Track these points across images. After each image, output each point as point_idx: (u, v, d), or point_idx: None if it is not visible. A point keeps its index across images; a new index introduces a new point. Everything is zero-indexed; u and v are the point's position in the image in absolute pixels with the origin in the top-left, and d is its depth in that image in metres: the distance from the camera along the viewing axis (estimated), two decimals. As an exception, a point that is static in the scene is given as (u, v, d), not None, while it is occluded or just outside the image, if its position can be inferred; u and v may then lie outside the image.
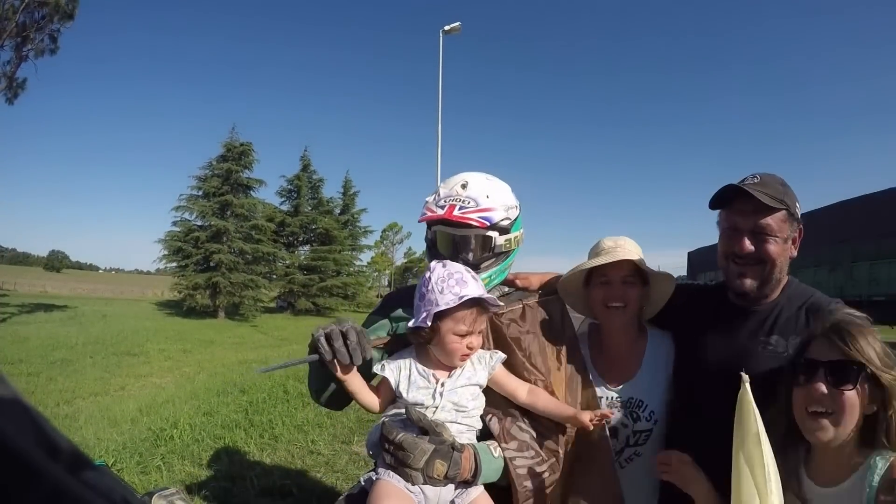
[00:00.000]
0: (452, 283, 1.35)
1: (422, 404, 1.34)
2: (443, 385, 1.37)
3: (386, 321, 1.66)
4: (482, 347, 1.45)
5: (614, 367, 1.71)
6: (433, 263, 1.42)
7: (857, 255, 14.00)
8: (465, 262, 1.53)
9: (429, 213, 1.56)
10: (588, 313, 1.80)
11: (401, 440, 1.25)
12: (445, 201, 1.56)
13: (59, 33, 19.20)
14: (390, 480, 1.25)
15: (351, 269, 30.98)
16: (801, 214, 1.57)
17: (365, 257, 41.64)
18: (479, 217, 1.53)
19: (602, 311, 1.69)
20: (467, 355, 1.38)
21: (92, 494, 0.28)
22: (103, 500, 0.29)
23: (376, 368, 1.38)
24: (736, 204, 1.50)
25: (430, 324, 1.32)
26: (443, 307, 1.31)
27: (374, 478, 1.29)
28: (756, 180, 1.50)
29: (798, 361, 1.22)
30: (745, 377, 1.12)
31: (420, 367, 1.38)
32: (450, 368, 1.39)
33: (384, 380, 1.38)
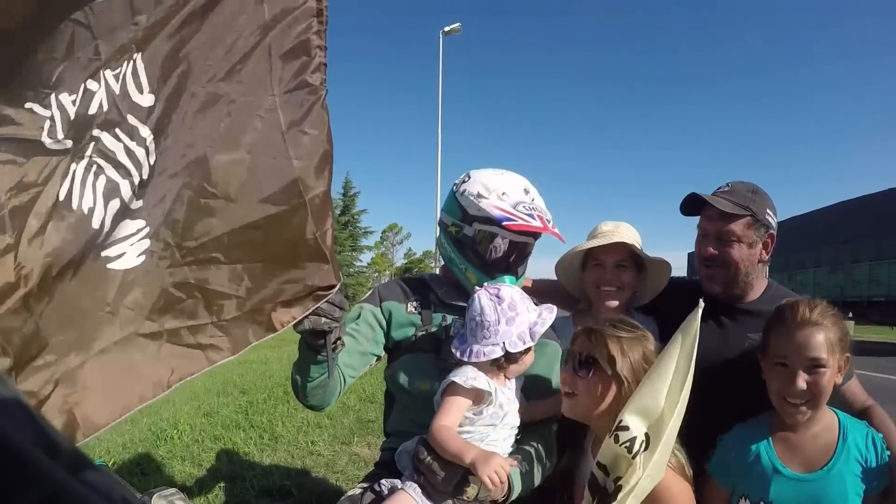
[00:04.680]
0: (528, 301, 1.40)
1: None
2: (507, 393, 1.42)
3: (378, 309, 1.64)
4: None
5: None
6: (506, 290, 1.41)
7: (857, 256, 13.98)
8: (507, 268, 1.57)
9: (520, 222, 1.48)
10: (582, 295, 1.83)
11: (430, 463, 1.25)
12: (525, 208, 1.51)
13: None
14: (413, 496, 1.24)
15: (351, 269, 30.99)
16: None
17: (365, 258, 41.70)
18: (559, 233, 1.57)
19: (595, 293, 1.72)
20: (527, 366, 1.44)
21: (92, 494, 0.28)
22: (103, 499, 0.29)
23: (465, 380, 1.33)
24: (705, 210, 1.63)
25: (533, 342, 1.36)
26: (545, 323, 1.38)
27: (398, 486, 1.29)
28: (726, 188, 1.61)
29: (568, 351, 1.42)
30: (702, 304, 1.23)
31: (496, 381, 1.40)
32: (504, 381, 1.42)
33: (475, 392, 1.34)
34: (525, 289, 1.87)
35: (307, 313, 1.12)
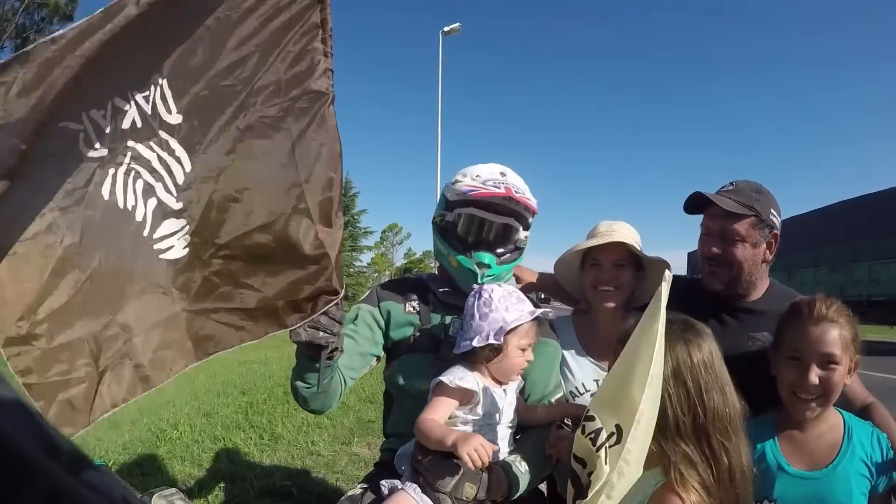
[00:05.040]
0: (514, 300, 1.39)
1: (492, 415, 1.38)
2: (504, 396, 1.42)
3: (376, 309, 1.64)
4: None
5: (607, 348, 1.75)
6: (489, 286, 1.43)
7: (857, 255, 13.98)
8: (487, 248, 1.56)
9: (483, 190, 1.51)
10: (582, 295, 1.82)
11: (429, 462, 1.25)
12: (495, 184, 1.52)
13: (58, 35, 19.28)
14: (413, 496, 1.25)
15: (351, 269, 30.97)
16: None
17: (365, 258, 41.64)
18: (531, 202, 1.56)
19: (593, 294, 1.71)
20: (523, 368, 1.42)
21: (92, 494, 0.28)
22: (103, 499, 0.29)
23: (452, 380, 1.34)
24: (709, 209, 1.62)
25: (502, 340, 1.35)
26: (513, 323, 1.35)
27: (398, 487, 1.29)
28: (731, 187, 1.60)
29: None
30: (669, 276, 1.13)
31: (486, 381, 1.40)
32: (500, 383, 1.41)
33: (462, 391, 1.35)
34: (530, 284, 1.87)
35: (303, 322, 1.21)
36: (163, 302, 1.25)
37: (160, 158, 1.23)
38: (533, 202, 1.58)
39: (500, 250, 1.59)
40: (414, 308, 1.63)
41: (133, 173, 1.23)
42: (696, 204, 1.66)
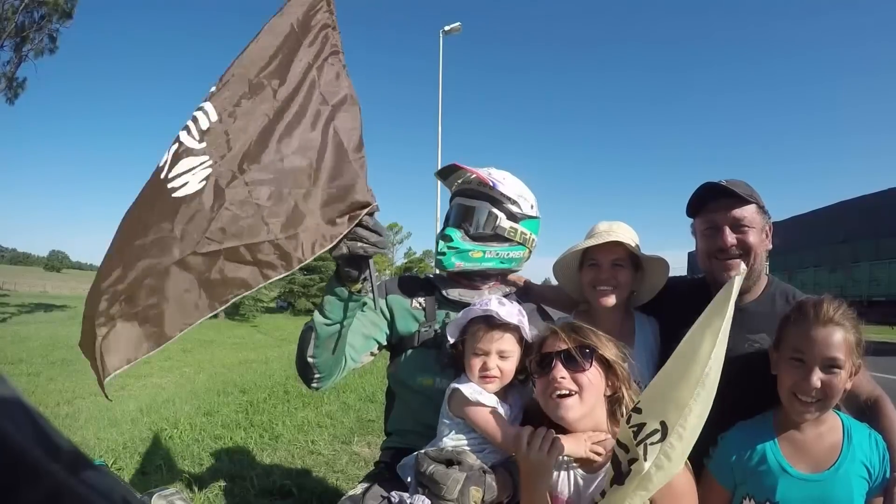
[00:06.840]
0: (492, 301, 1.42)
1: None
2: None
3: (383, 301, 1.68)
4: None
5: None
6: (497, 296, 1.53)
7: (857, 256, 13.98)
8: (465, 231, 1.66)
9: (449, 163, 1.73)
10: (581, 296, 1.82)
11: (432, 473, 1.24)
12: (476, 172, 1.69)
13: (58, 33, 19.26)
14: None
15: (351, 269, 30.91)
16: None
17: (365, 257, 41.49)
18: (491, 179, 1.65)
19: (591, 293, 1.72)
20: (486, 378, 1.37)
21: (92, 494, 0.28)
22: (103, 499, 0.29)
23: (471, 393, 1.35)
24: (711, 205, 1.63)
25: (452, 340, 1.40)
26: (456, 324, 1.42)
27: (406, 501, 1.29)
28: (725, 182, 1.60)
29: (535, 358, 1.33)
30: (744, 268, 1.23)
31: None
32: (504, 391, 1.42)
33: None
34: (526, 287, 1.88)
35: (342, 235, 1.23)
36: (175, 247, 1.22)
37: (194, 118, 1.33)
38: (487, 176, 1.64)
39: (470, 230, 1.66)
40: (420, 304, 1.68)
41: (177, 144, 1.32)
42: (702, 197, 1.66)
